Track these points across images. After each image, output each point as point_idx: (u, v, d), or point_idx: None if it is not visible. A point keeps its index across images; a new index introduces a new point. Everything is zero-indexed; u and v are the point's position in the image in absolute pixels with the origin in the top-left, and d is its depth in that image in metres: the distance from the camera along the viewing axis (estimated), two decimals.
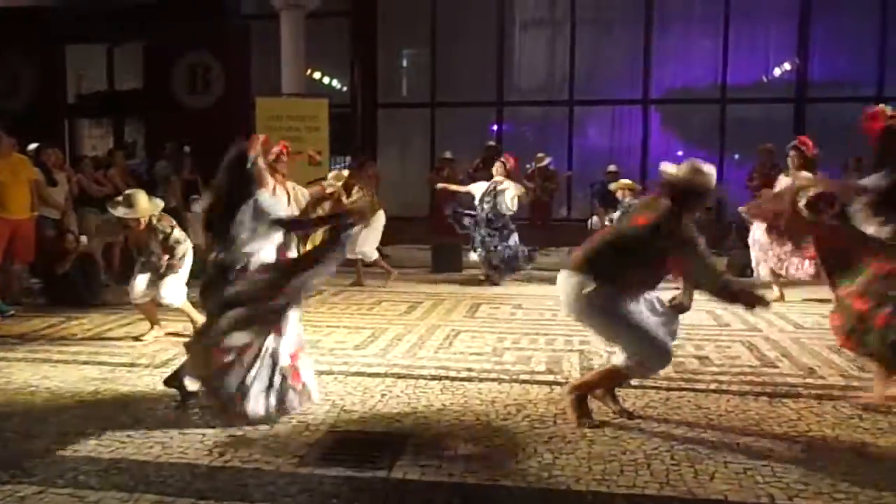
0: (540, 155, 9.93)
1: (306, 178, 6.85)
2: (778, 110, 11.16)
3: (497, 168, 7.50)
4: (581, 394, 3.28)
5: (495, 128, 11.79)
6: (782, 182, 6.27)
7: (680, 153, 11.96)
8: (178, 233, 4.84)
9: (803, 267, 5.94)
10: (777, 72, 11.43)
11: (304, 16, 10.58)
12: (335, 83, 12.53)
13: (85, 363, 4.28)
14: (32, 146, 7.17)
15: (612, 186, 7.59)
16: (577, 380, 3.55)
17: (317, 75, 12.09)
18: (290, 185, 5.68)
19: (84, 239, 6.91)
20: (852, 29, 10.97)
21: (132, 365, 4.25)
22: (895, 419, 3.30)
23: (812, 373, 4.04)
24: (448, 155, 10.01)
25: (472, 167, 9.49)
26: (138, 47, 11.70)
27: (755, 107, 11.21)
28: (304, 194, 5.76)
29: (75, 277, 6.19)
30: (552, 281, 8.31)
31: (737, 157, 11.03)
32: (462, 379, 3.92)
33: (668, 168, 3.19)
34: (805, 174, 5.86)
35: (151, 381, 3.89)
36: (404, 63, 12.79)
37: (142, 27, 11.11)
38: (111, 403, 3.54)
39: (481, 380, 3.91)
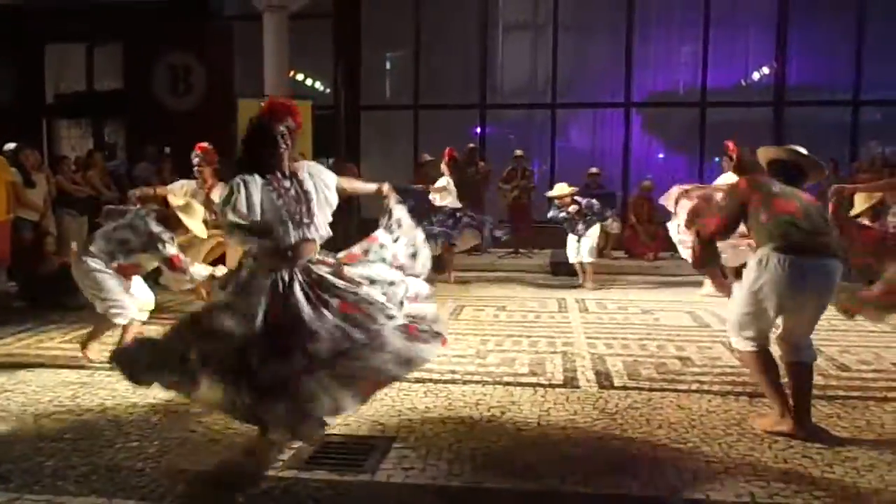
0: (518, 151, 10.19)
1: None
2: (757, 114, 11.32)
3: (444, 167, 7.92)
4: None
5: (478, 130, 11.82)
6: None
7: (661, 156, 12.10)
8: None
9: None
10: (756, 76, 11.57)
11: (286, 17, 10.52)
12: (318, 85, 12.47)
13: (63, 367, 4.22)
14: (10, 146, 7.06)
15: (551, 195, 7.71)
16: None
17: (300, 77, 12.04)
18: None
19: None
20: (829, 34, 11.15)
21: (111, 369, 4.17)
22: (873, 417, 3.36)
23: None
24: (427, 157, 10.05)
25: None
26: (118, 47, 11.57)
27: (735, 110, 11.34)
28: None
29: (53, 280, 6.11)
30: (535, 283, 8.20)
31: (717, 160, 11.15)
32: (446, 381, 3.92)
33: (767, 150, 3.32)
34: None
35: (131, 385, 3.83)
36: (387, 65, 12.78)
37: (122, 27, 10.98)
38: (90, 408, 3.50)
39: (465, 382, 3.91)
